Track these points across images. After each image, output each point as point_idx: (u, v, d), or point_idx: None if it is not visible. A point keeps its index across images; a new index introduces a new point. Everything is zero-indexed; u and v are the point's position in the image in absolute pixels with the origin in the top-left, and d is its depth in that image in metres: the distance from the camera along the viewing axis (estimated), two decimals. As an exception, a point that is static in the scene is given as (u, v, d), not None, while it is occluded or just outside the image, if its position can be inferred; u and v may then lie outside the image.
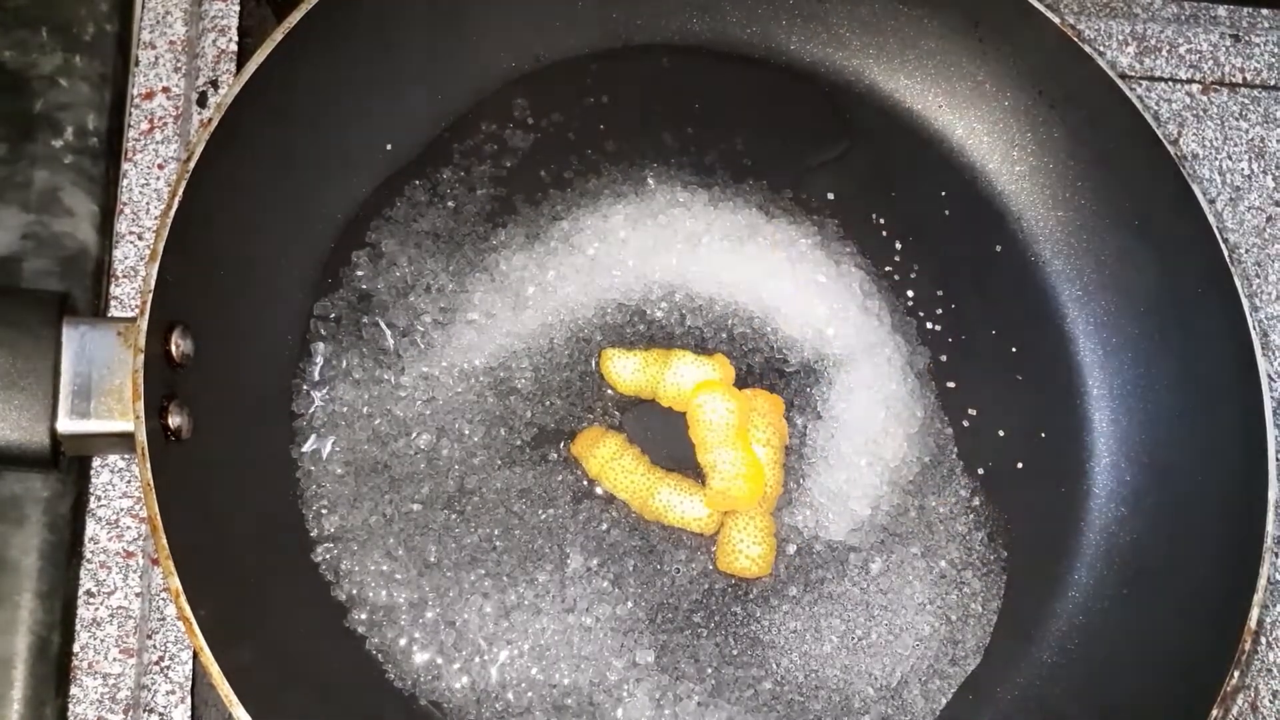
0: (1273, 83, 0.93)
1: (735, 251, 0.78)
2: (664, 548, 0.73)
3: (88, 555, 0.69)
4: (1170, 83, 0.92)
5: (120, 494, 0.70)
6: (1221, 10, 0.95)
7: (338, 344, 0.74)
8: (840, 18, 0.84)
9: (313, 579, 0.69)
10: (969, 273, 0.82)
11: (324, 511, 0.70)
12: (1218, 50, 0.93)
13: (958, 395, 0.79)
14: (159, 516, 0.57)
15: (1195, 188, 0.74)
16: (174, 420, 0.62)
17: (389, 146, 0.78)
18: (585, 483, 0.73)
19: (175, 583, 0.57)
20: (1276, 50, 0.94)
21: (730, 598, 0.72)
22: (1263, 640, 0.80)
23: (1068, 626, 0.75)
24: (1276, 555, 0.74)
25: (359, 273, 0.75)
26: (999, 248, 0.83)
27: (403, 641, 0.69)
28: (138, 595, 0.69)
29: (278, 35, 0.68)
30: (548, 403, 0.75)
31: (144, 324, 0.59)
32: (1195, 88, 0.93)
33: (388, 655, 0.68)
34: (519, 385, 0.75)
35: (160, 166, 0.77)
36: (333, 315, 0.74)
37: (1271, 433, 0.70)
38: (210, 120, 0.65)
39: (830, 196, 0.82)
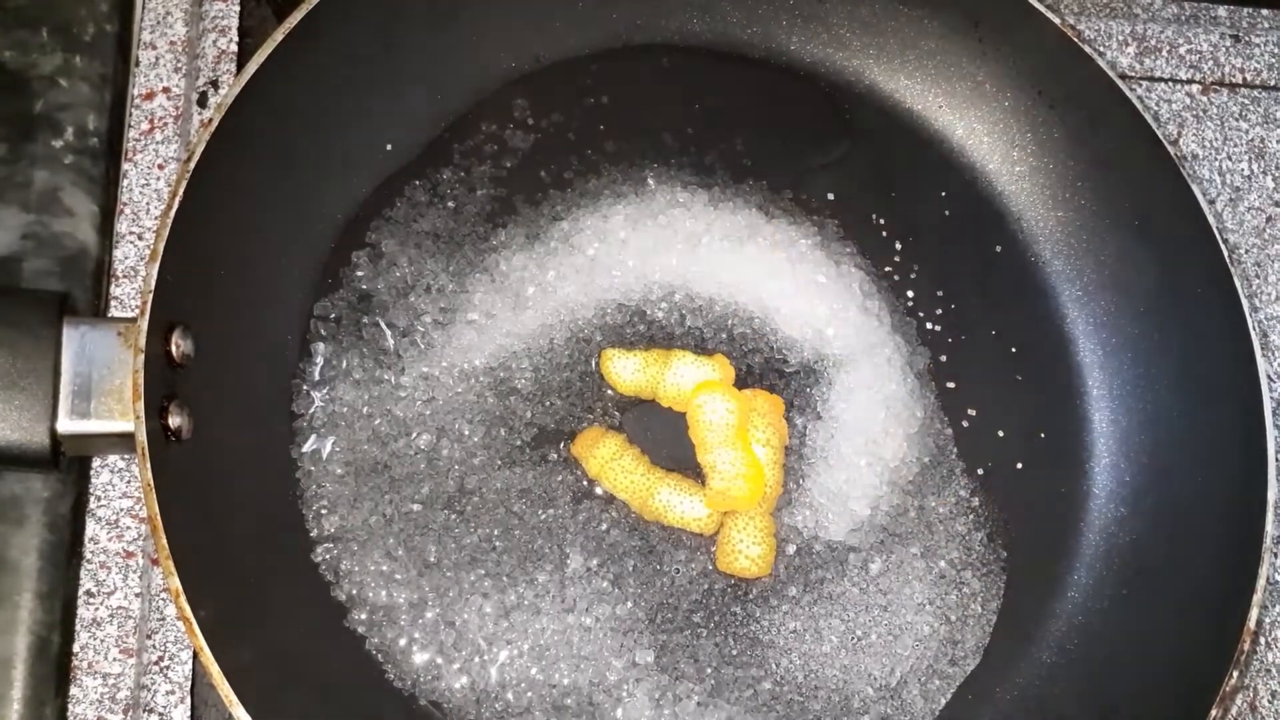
0: (1273, 83, 0.93)
1: (735, 252, 0.78)
2: (664, 548, 0.73)
3: (88, 555, 0.69)
4: (1170, 83, 0.92)
5: (120, 494, 0.71)
6: (1221, 10, 0.95)
7: (338, 344, 0.74)
8: (840, 18, 0.84)
9: (313, 579, 0.69)
10: (969, 273, 0.82)
11: (324, 511, 0.70)
12: (1218, 51, 0.93)
13: (958, 395, 0.79)
14: (159, 516, 0.57)
15: (1195, 188, 0.74)
16: (174, 420, 0.62)
17: (389, 146, 0.78)
18: (585, 483, 0.73)
19: (175, 583, 0.57)
20: (1276, 50, 0.94)
21: (730, 598, 0.72)
22: (1262, 640, 0.80)
23: (1067, 626, 0.75)
24: (1276, 555, 0.74)
25: (359, 273, 0.75)
26: (999, 248, 0.83)
27: (403, 641, 0.69)
28: (138, 595, 0.69)
29: (278, 35, 0.68)
30: (548, 403, 0.75)
31: (144, 324, 0.59)
32: (1195, 88, 0.93)
33: (388, 655, 0.68)
34: (519, 385, 0.75)
35: (160, 166, 0.77)
36: (333, 315, 0.74)
37: (1271, 433, 0.70)
38: (210, 120, 0.65)
39: (830, 197, 0.82)
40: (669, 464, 0.74)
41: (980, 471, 0.77)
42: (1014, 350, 0.81)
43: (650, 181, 0.81)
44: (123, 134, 0.77)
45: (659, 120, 0.83)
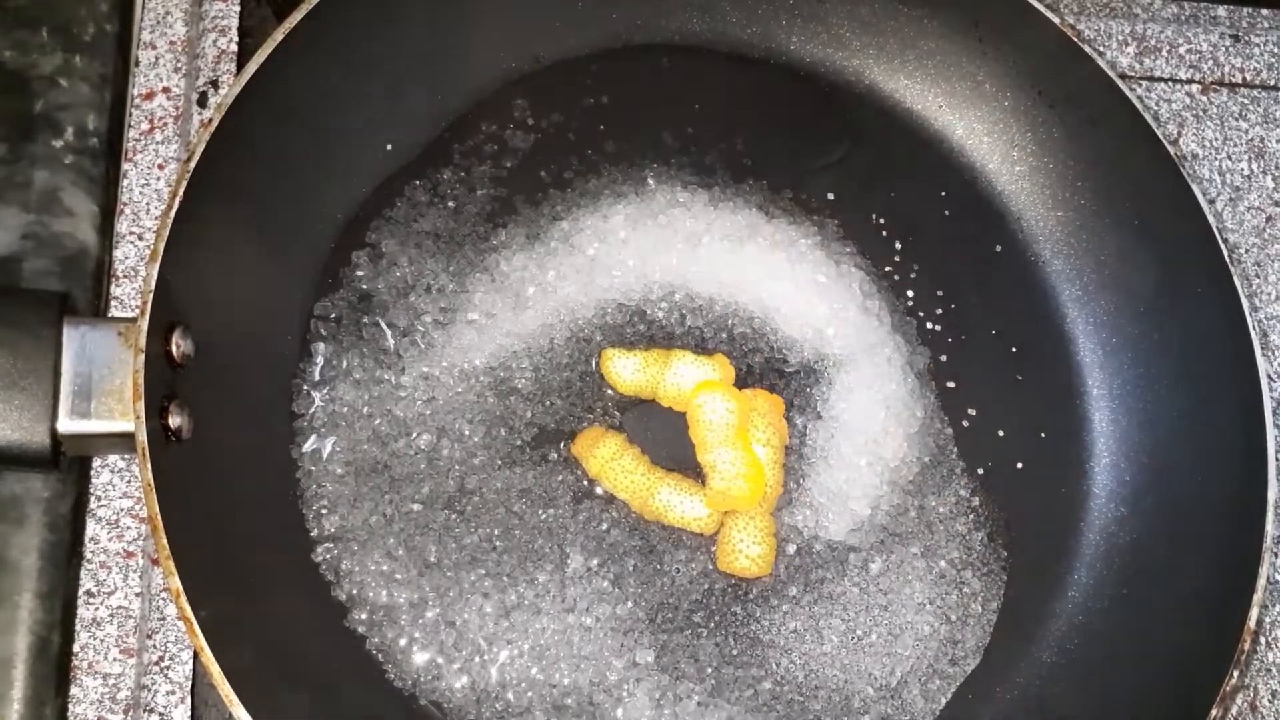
0: (1272, 83, 0.93)
1: (735, 252, 0.78)
2: (664, 548, 0.73)
3: (88, 555, 0.69)
4: (1170, 83, 0.92)
5: (120, 494, 0.70)
6: (1221, 10, 0.95)
7: (338, 344, 0.74)
8: (840, 18, 0.84)
9: (313, 579, 0.69)
10: (969, 273, 0.82)
11: (324, 511, 0.70)
12: (1217, 50, 0.93)
13: (958, 395, 0.79)
14: (159, 516, 0.57)
15: (1195, 188, 0.74)
16: (174, 420, 0.62)
17: (389, 147, 0.78)
18: (585, 483, 0.73)
19: (175, 583, 0.57)
20: (1276, 50, 0.94)
21: (730, 598, 0.72)
22: (1262, 640, 0.80)
23: (1067, 626, 0.75)
24: (1276, 555, 0.74)
25: (359, 273, 0.75)
26: (999, 248, 0.83)
27: (403, 641, 0.69)
28: (138, 595, 0.69)
29: (278, 35, 0.68)
30: (548, 403, 0.75)
31: (144, 324, 0.59)
32: (1195, 88, 0.93)
33: (388, 655, 0.68)
34: (519, 385, 0.75)
35: (160, 166, 0.77)
36: (333, 315, 0.74)
37: (1271, 433, 0.70)
38: (210, 120, 0.65)
39: (830, 197, 0.82)
40: (669, 464, 0.74)
41: (980, 471, 0.77)
42: (1014, 350, 0.81)
43: (650, 181, 0.81)
44: (123, 134, 0.77)
45: (659, 120, 0.83)
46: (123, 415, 0.60)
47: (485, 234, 0.78)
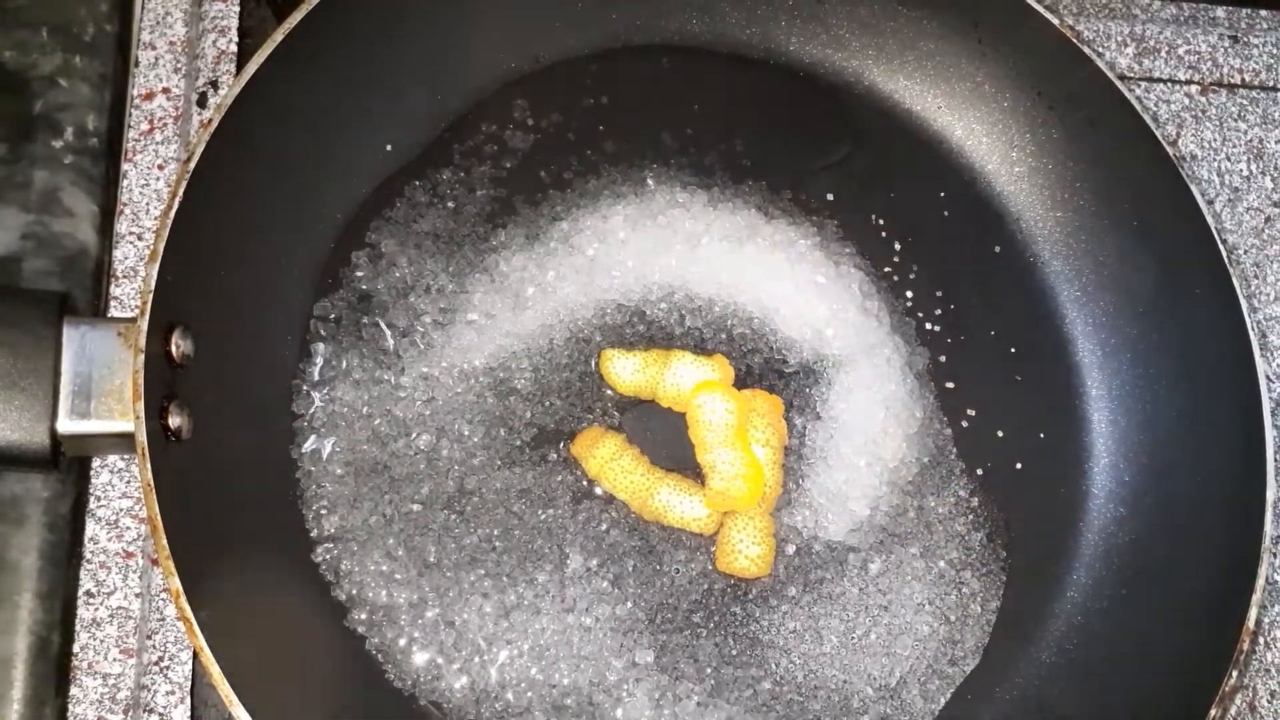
0: (1271, 84, 0.93)
1: (735, 252, 0.78)
2: (664, 548, 0.73)
3: (88, 555, 0.69)
4: (1169, 84, 0.92)
5: (120, 494, 0.70)
6: (1220, 11, 0.95)
7: (338, 344, 0.74)
8: (840, 18, 0.85)
9: (313, 579, 0.69)
10: (969, 273, 0.82)
11: (324, 511, 0.70)
12: (1216, 51, 0.93)
13: (957, 395, 0.79)
14: (159, 516, 0.57)
15: (1194, 188, 0.74)
16: (174, 420, 0.62)
17: (389, 147, 0.78)
18: (585, 483, 0.73)
19: (175, 583, 0.57)
20: (1275, 51, 0.94)
21: (730, 598, 0.72)
22: (1261, 640, 0.80)
23: (1067, 626, 0.75)
24: (1275, 555, 0.74)
25: (359, 273, 0.75)
26: (999, 248, 0.83)
27: (403, 641, 0.69)
28: (138, 595, 0.69)
29: (278, 36, 0.68)
30: (548, 403, 0.75)
31: (144, 324, 0.59)
32: (1194, 89, 0.93)
33: (388, 655, 0.68)
34: (519, 385, 0.75)
35: (160, 167, 0.77)
36: (333, 315, 0.74)
37: (1270, 433, 0.70)
38: (210, 121, 0.65)
39: (830, 197, 0.82)
40: (669, 464, 0.74)
41: (980, 471, 0.77)
42: (1014, 350, 0.81)
43: (650, 181, 0.81)
44: (123, 134, 0.77)
45: (659, 120, 0.83)
46: (122, 415, 0.60)
47: (485, 234, 0.78)
